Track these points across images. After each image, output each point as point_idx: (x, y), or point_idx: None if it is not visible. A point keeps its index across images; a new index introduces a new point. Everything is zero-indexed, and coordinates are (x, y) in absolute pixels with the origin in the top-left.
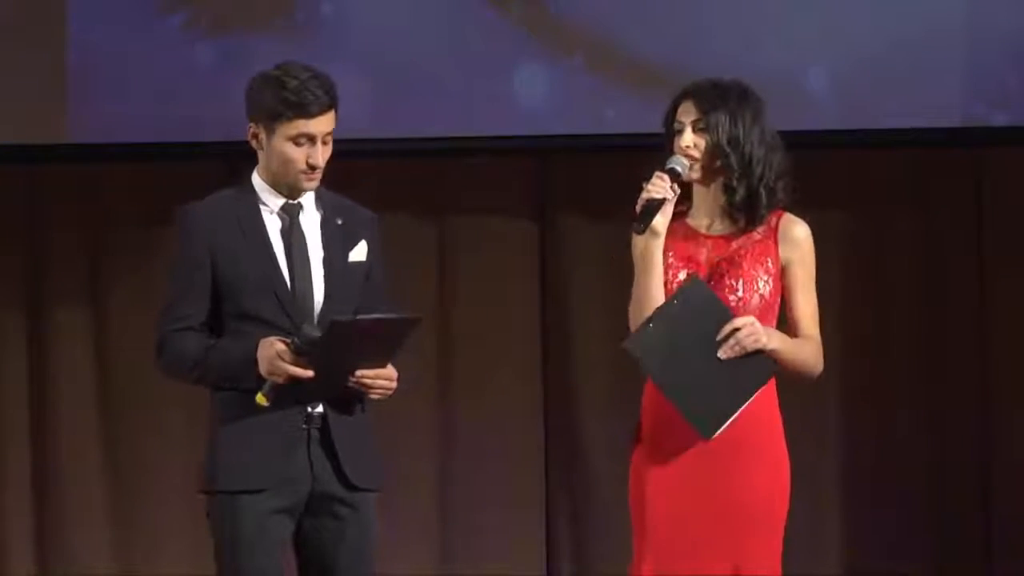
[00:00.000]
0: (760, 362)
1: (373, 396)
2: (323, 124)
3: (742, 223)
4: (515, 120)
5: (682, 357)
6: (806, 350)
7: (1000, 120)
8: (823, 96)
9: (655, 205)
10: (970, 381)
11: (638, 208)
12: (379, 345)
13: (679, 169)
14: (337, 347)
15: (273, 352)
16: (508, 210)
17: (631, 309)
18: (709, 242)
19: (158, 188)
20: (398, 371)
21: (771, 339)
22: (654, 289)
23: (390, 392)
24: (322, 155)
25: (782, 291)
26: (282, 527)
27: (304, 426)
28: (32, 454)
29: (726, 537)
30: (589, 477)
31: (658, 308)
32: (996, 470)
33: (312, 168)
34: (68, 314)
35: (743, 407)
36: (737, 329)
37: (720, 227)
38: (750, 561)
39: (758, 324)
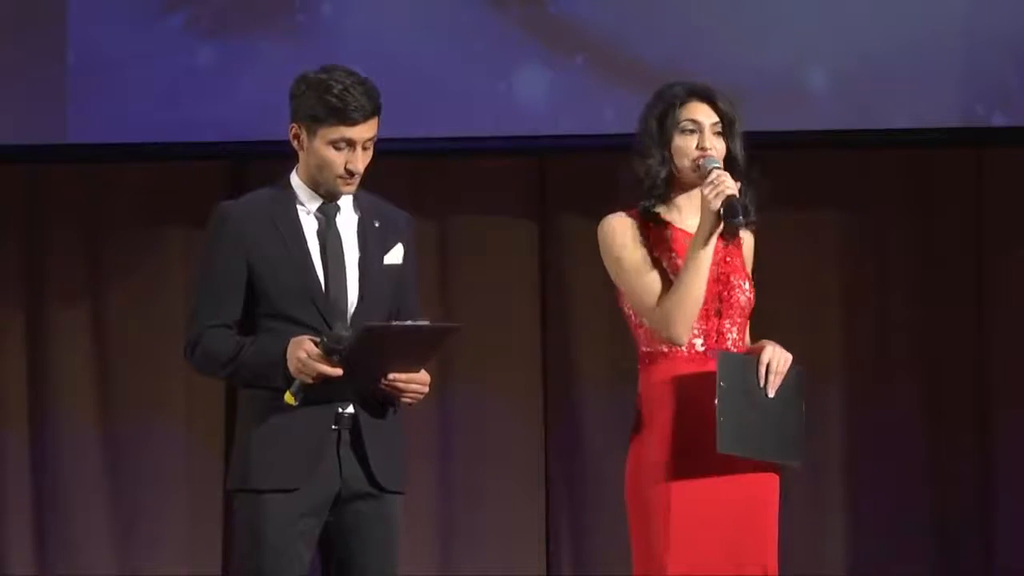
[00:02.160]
0: (792, 374)
1: (405, 400)
2: (364, 131)
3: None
4: (515, 120)
5: (756, 423)
6: None
7: (1000, 120)
8: (823, 96)
9: (735, 199)
10: (970, 381)
11: (722, 206)
12: (412, 351)
13: (713, 165)
14: (368, 351)
15: (302, 351)
16: (508, 210)
17: (670, 305)
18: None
19: (158, 188)
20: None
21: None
22: (703, 284)
23: (422, 396)
24: (361, 161)
25: None
26: (308, 529)
27: (334, 427)
28: (32, 454)
29: (755, 539)
30: (589, 476)
31: (716, 404)
32: (996, 470)
33: (350, 173)
34: (68, 314)
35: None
36: (768, 364)
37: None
38: (774, 562)
39: (774, 345)
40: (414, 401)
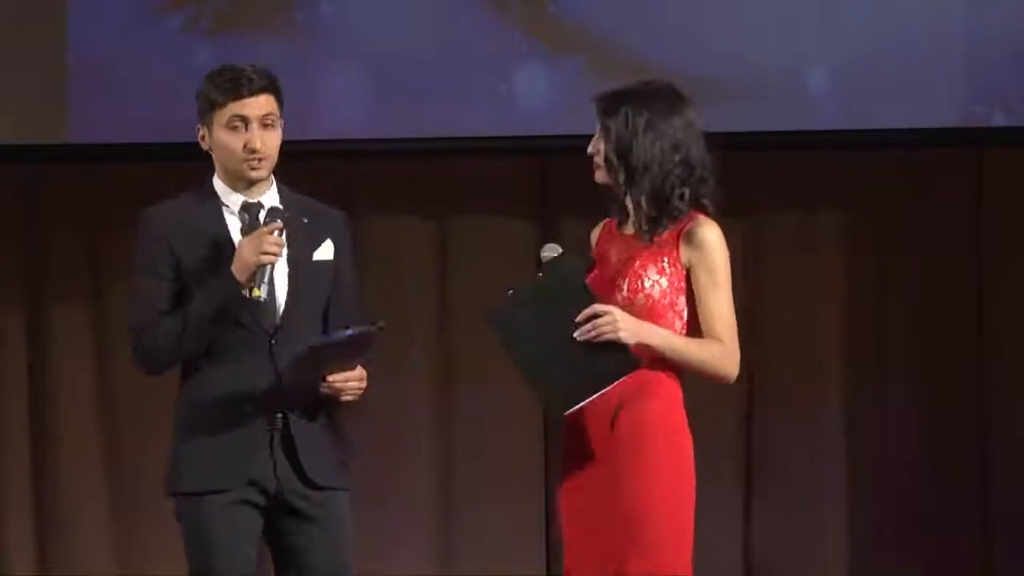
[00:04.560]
0: (623, 355)
1: (346, 398)
2: (257, 106)
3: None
4: (515, 120)
5: (539, 332)
6: (706, 351)
7: (1000, 120)
8: (823, 96)
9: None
10: (969, 381)
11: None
12: (346, 356)
13: (551, 256)
14: (312, 366)
15: (250, 237)
16: (508, 210)
17: None
18: (621, 242)
19: (158, 188)
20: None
21: (642, 335)
22: None
23: (360, 392)
24: (261, 139)
25: (689, 294)
26: (248, 518)
27: (268, 428)
28: (32, 454)
29: (612, 538)
30: None
31: (527, 282)
32: (996, 470)
33: (252, 152)
34: (68, 314)
35: (599, 394)
36: (597, 316)
37: (632, 228)
38: (633, 562)
39: (622, 317)
40: (354, 398)
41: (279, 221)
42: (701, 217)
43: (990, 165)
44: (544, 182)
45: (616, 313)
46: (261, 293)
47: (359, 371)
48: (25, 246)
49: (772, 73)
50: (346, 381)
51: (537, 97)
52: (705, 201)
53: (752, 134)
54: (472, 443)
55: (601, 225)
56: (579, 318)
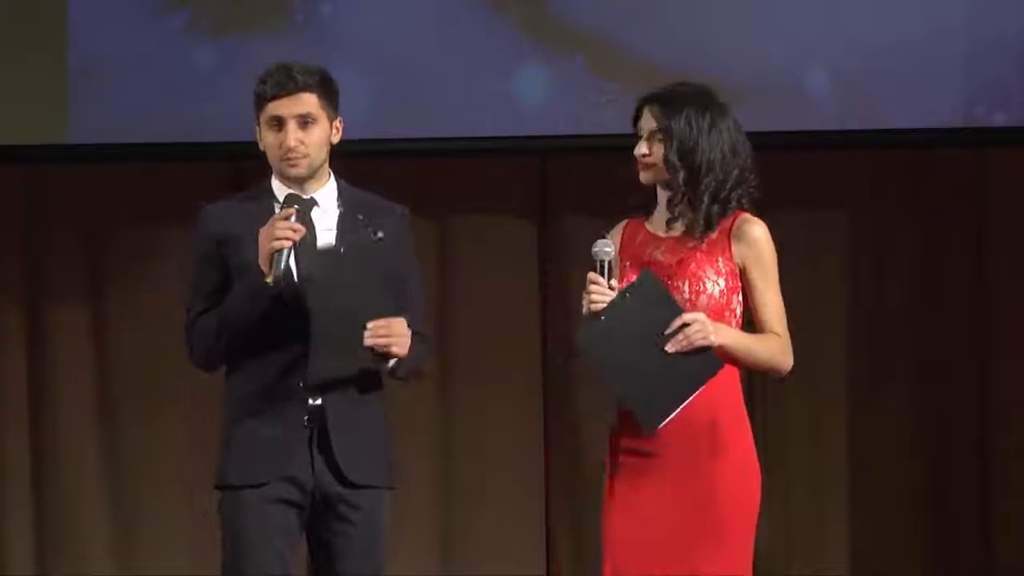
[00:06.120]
0: (707, 358)
1: (395, 352)
2: (289, 105)
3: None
4: (515, 120)
5: (629, 348)
6: (765, 347)
7: (1000, 120)
8: (823, 96)
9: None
10: (969, 380)
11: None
12: (368, 288)
13: (604, 257)
14: (326, 296)
15: (266, 224)
16: (508, 210)
17: None
18: (663, 244)
19: (158, 188)
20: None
21: (720, 335)
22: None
23: (407, 343)
24: (294, 136)
25: (743, 291)
26: (283, 515)
27: (307, 424)
28: (31, 454)
29: (684, 540)
30: (589, 477)
31: (611, 302)
32: (996, 470)
33: (287, 150)
34: (68, 314)
35: (688, 401)
36: (686, 324)
37: (676, 229)
38: (710, 564)
39: (707, 320)
40: (401, 351)
41: (294, 207)
42: (746, 215)
43: (990, 165)
44: (544, 182)
45: (703, 319)
46: (270, 279)
47: (400, 321)
48: (25, 246)
49: (772, 73)
50: (389, 326)
51: (537, 97)
52: (745, 200)
53: (752, 134)
54: (472, 443)
55: (622, 226)
56: (669, 330)
